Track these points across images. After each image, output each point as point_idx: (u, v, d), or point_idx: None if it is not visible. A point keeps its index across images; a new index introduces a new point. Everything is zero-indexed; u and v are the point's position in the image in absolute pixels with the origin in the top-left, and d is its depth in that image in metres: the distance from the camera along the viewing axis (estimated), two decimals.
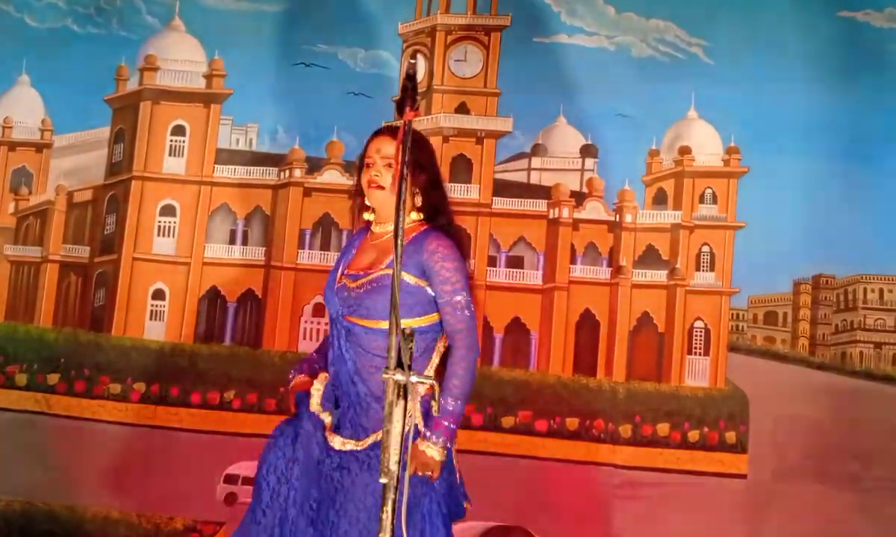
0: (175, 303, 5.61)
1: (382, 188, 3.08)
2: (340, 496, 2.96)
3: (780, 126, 5.28)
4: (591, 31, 5.51)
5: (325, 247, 5.60)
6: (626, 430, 5.28)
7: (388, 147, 3.08)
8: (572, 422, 5.32)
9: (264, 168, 5.68)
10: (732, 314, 5.43)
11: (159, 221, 5.68)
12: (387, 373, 2.31)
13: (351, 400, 3.04)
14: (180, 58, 5.77)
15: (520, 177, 5.67)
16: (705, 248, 5.49)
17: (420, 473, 2.93)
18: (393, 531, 2.29)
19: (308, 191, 5.66)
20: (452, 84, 5.71)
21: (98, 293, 5.68)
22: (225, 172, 5.69)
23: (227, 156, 5.71)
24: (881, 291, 5.41)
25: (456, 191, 5.43)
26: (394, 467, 2.29)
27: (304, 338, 5.51)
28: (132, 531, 5.29)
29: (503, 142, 5.66)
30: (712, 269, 5.47)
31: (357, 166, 3.23)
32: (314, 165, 5.65)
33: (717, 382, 5.37)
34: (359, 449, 2.99)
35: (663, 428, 5.31)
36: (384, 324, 2.96)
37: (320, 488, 2.99)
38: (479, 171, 5.61)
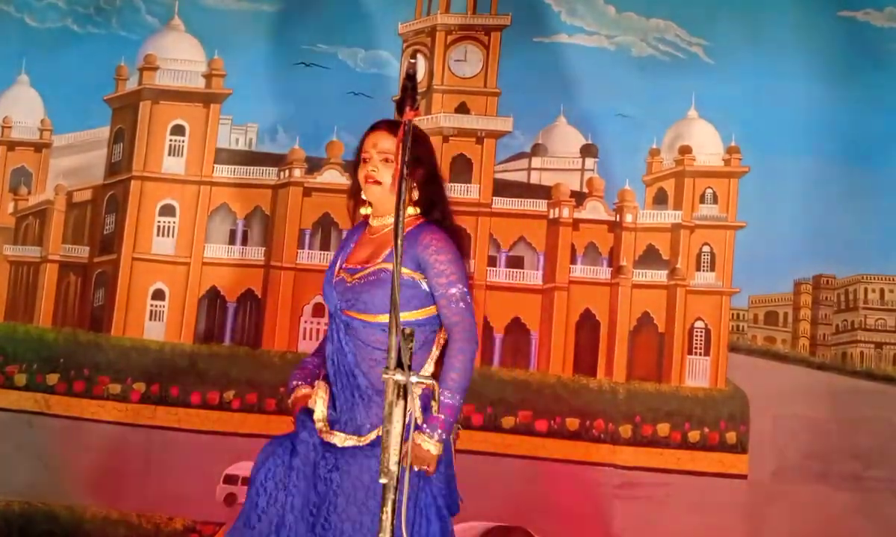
0: (175, 303, 5.61)
1: (379, 183, 3.06)
2: (341, 499, 2.95)
3: (780, 126, 5.28)
4: (591, 31, 5.51)
5: (324, 246, 5.60)
6: (626, 430, 5.28)
7: (385, 142, 3.07)
8: (572, 422, 5.32)
9: (264, 168, 5.68)
10: (733, 314, 5.43)
11: (159, 221, 5.68)
12: (387, 373, 2.31)
13: (352, 393, 3.02)
14: (180, 57, 5.77)
15: (520, 177, 5.67)
16: (706, 248, 5.48)
17: (416, 467, 2.92)
18: (393, 531, 2.28)
19: (308, 191, 5.65)
20: (452, 84, 5.71)
21: (97, 293, 5.68)
22: (225, 172, 5.69)
23: (227, 156, 5.71)
24: (882, 291, 5.40)
25: (456, 191, 5.42)
26: (394, 467, 2.28)
27: (304, 338, 5.51)
28: (132, 531, 5.29)
29: (503, 142, 5.65)
30: (713, 269, 5.47)
31: (353, 161, 3.21)
32: (314, 165, 5.65)
33: (718, 382, 5.37)
34: (360, 444, 2.98)
35: (663, 429, 5.31)
36: (382, 318, 2.95)
37: (318, 492, 2.98)
38: (479, 171, 5.61)
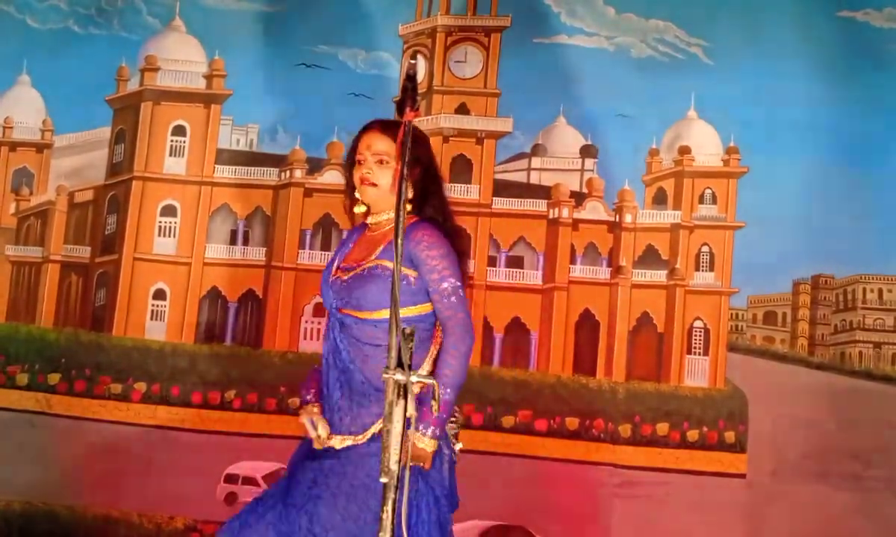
0: (176, 303, 5.62)
1: (375, 185, 3.05)
2: (341, 498, 2.95)
3: (780, 126, 5.28)
4: (590, 32, 5.52)
5: (325, 247, 5.60)
6: (625, 430, 5.29)
7: (379, 143, 3.06)
8: (572, 422, 5.32)
9: (265, 168, 5.69)
10: (732, 314, 5.44)
11: (160, 221, 5.69)
12: (387, 373, 2.31)
13: (348, 391, 3.02)
14: (181, 58, 5.78)
15: (520, 177, 5.68)
16: (705, 248, 5.49)
17: (412, 464, 2.92)
18: (393, 531, 2.29)
19: (309, 192, 5.66)
20: (452, 84, 5.72)
21: (99, 293, 5.69)
22: (225, 173, 5.70)
23: (228, 157, 5.72)
24: (880, 291, 5.41)
25: (456, 192, 5.44)
26: (394, 467, 2.29)
27: (305, 339, 5.52)
28: (132, 531, 5.30)
29: (503, 143, 5.66)
30: (712, 269, 5.47)
31: (346, 162, 3.19)
32: (315, 166, 5.66)
33: (717, 382, 5.37)
34: (358, 443, 2.99)
35: (663, 428, 5.32)
36: (376, 315, 2.96)
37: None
38: (479, 172, 5.62)
